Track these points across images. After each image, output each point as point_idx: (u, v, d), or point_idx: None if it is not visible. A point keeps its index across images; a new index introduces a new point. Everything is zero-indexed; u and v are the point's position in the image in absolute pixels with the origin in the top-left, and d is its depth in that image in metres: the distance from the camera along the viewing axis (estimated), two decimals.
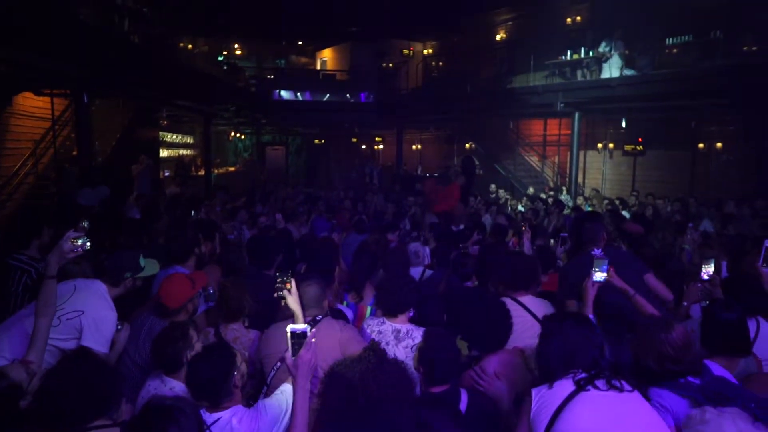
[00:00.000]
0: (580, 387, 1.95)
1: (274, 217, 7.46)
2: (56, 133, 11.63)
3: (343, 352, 2.58)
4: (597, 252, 3.23)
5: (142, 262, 3.19)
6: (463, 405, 2.35)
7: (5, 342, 2.72)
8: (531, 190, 14.89)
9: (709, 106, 12.19)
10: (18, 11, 6.77)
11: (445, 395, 2.37)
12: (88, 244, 2.74)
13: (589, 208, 10.85)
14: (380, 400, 1.90)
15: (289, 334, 2.24)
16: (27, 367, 2.33)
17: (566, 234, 5.85)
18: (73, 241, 2.69)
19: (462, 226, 7.18)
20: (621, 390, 1.95)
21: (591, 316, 2.91)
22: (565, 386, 1.98)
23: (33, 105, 11.22)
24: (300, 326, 2.28)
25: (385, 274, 3.79)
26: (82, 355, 2.09)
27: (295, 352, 2.24)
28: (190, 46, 20.69)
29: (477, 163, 14.62)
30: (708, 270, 3.55)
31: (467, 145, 19.70)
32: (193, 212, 7.01)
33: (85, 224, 4.44)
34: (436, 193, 9.18)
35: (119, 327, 2.92)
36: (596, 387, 1.95)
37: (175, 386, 2.46)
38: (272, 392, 2.43)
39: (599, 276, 2.98)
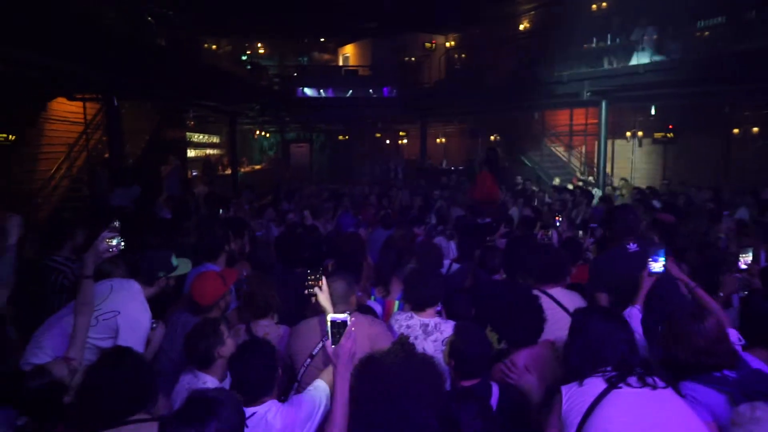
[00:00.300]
0: (612, 385, 1.90)
1: (301, 214, 7.52)
2: (89, 136, 11.90)
3: (372, 347, 2.59)
4: (633, 246, 3.14)
5: (175, 261, 3.26)
6: (494, 399, 2.34)
7: (46, 340, 2.82)
8: (557, 181, 14.66)
9: (740, 92, 11.74)
10: (18, 11, 6.88)
11: (475, 389, 2.37)
12: (123, 244, 2.82)
13: (619, 198, 10.63)
14: (408, 395, 1.91)
15: (329, 324, 2.27)
16: (68, 364, 2.42)
17: (595, 225, 5.75)
18: (108, 242, 2.78)
19: (488, 219, 7.12)
20: (654, 387, 1.89)
21: (639, 308, 2.83)
22: (596, 384, 1.93)
23: (66, 110, 11.47)
24: (340, 315, 2.30)
25: (416, 268, 3.79)
26: (120, 353, 2.15)
27: (335, 341, 2.26)
28: (214, 46, 20.98)
29: (501, 155, 14.45)
30: (745, 259, 3.45)
31: (492, 137, 19.48)
32: (222, 210, 7.12)
33: (117, 224, 4.54)
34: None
35: (154, 326, 2.99)
36: (628, 384, 1.89)
37: (208, 380, 2.51)
38: (303, 388, 2.46)
39: (656, 266, 2.85)
